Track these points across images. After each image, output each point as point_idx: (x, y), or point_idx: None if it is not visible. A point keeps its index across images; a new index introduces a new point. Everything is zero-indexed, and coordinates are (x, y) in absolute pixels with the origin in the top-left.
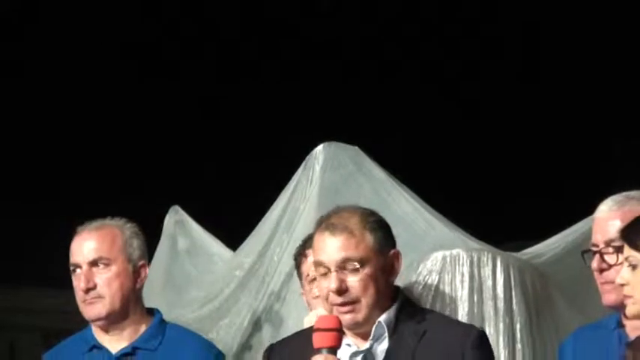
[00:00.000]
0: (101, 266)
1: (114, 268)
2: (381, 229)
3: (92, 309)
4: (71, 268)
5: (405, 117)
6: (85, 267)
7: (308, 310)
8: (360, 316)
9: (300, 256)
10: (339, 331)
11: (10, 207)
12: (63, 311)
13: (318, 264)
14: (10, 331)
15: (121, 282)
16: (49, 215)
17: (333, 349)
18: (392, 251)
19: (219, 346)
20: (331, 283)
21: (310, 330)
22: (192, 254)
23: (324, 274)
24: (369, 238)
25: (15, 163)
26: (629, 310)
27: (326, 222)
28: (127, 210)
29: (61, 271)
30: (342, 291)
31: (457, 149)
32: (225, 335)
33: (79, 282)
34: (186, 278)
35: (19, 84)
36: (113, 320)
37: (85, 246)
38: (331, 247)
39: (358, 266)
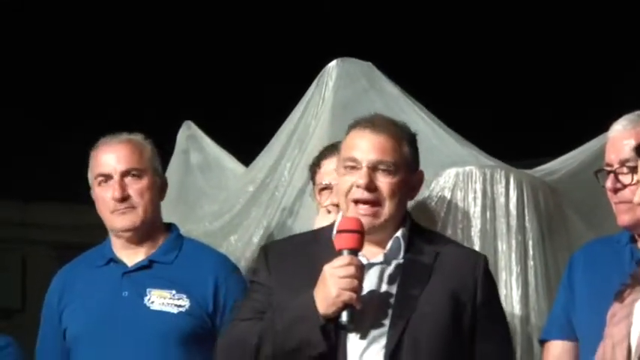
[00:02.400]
0: (132, 177)
1: (145, 180)
2: (414, 145)
3: (125, 219)
4: (98, 179)
5: (418, 32)
6: (116, 177)
7: None
8: (379, 220)
9: (314, 166)
10: (361, 234)
11: (21, 123)
12: (75, 226)
13: (349, 159)
14: (22, 247)
15: (151, 194)
16: (61, 130)
17: (356, 251)
18: (419, 170)
19: None
20: (361, 177)
21: (305, 234)
22: (204, 169)
23: (353, 168)
24: (406, 149)
25: (22, 77)
26: None
27: (366, 121)
28: (139, 126)
29: (73, 186)
30: (371, 187)
31: (472, 66)
32: (234, 250)
33: (110, 192)
34: (198, 193)
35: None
36: (142, 232)
37: (117, 157)
38: (370, 144)
39: (392, 169)
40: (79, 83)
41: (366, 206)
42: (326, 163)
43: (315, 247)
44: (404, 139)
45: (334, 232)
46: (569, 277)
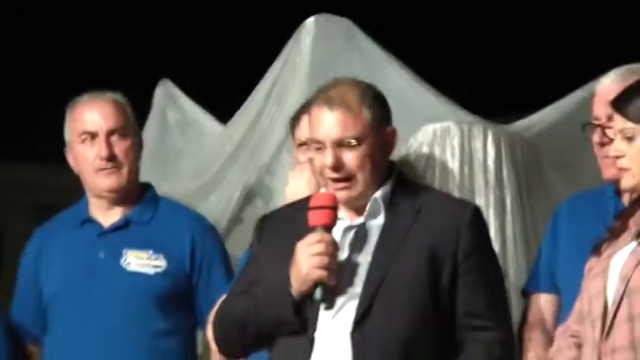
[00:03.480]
0: (117, 136)
1: (129, 139)
2: (379, 104)
3: (110, 179)
4: (82, 136)
5: None
6: (102, 135)
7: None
8: (354, 192)
9: (294, 120)
10: (334, 209)
11: None
12: (54, 188)
13: (314, 140)
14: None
15: (135, 154)
16: (38, 92)
17: (329, 227)
18: (389, 128)
19: (209, 220)
20: (327, 158)
21: (301, 201)
22: (182, 128)
23: (320, 149)
24: (367, 114)
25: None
26: (626, 182)
27: (324, 95)
28: (114, 84)
29: (50, 148)
30: (338, 167)
31: (450, 22)
32: (214, 209)
33: (95, 150)
34: (176, 152)
35: None
36: (125, 192)
37: (101, 115)
38: (328, 123)
39: (355, 143)
40: (53, 43)
41: (339, 184)
42: (305, 118)
43: (304, 217)
44: (364, 103)
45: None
46: (553, 230)
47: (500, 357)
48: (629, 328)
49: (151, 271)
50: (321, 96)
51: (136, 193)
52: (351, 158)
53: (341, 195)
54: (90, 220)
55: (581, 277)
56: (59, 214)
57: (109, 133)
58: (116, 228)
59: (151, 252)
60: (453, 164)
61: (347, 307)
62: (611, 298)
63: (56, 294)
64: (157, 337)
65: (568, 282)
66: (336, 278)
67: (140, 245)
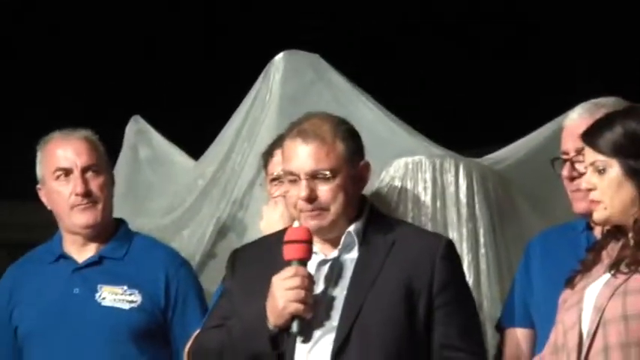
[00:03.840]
0: (91, 173)
1: (103, 176)
2: (352, 138)
3: (86, 215)
4: (56, 173)
5: (364, 24)
6: (77, 172)
7: None
8: (325, 222)
9: (267, 155)
10: (309, 243)
11: None
12: (25, 224)
13: (288, 173)
14: None
15: (109, 189)
16: (7, 129)
17: (304, 261)
18: (362, 162)
19: (183, 255)
20: (301, 191)
21: (274, 235)
22: (154, 164)
23: (294, 182)
24: (341, 147)
25: None
26: (599, 215)
27: (298, 128)
28: (84, 121)
29: (23, 184)
30: (311, 199)
31: (419, 57)
32: (187, 244)
33: (71, 186)
34: (148, 188)
35: None
36: (100, 228)
37: (75, 152)
38: (302, 156)
39: (329, 175)
40: (20, 78)
41: (312, 214)
42: (278, 152)
43: (278, 250)
44: (337, 137)
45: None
46: (525, 265)
47: None
48: (604, 359)
49: (126, 306)
50: (294, 129)
51: (109, 229)
52: (324, 190)
53: (312, 224)
54: (64, 256)
55: (554, 312)
56: (32, 250)
57: (84, 170)
58: (90, 264)
59: (125, 287)
60: (426, 198)
61: (323, 341)
62: (586, 328)
63: (31, 331)
64: None
65: (542, 316)
66: (312, 311)
67: (115, 281)
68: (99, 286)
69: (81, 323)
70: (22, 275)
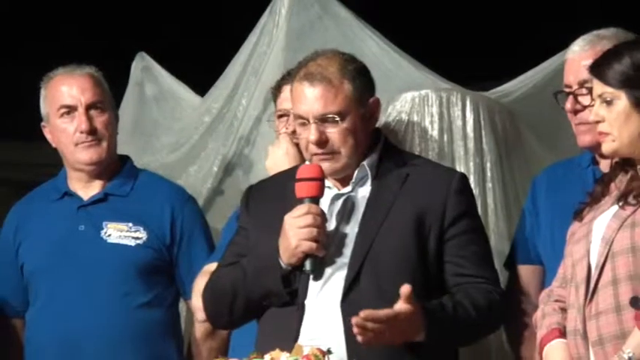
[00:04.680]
0: (97, 110)
1: (107, 113)
2: (360, 76)
3: (90, 152)
4: (60, 110)
5: None
6: (82, 109)
7: None
8: (338, 164)
9: (275, 90)
10: (321, 180)
11: None
12: (32, 164)
13: (297, 116)
14: None
15: (114, 127)
16: (15, 65)
17: (316, 199)
18: (372, 99)
19: (189, 192)
20: (311, 134)
21: (287, 172)
22: (160, 101)
23: (303, 125)
24: (349, 88)
25: None
26: (607, 147)
27: (305, 70)
28: (89, 58)
29: (28, 124)
30: (321, 142)
31: None
32: (194, 181)
33: (75, 124)
34: (154, 125)
35: None
36: (105, 165)
37: (81, 88)
38: (310, 99)
39: (338, 118)
40: (31, 17)
41: (323, 156)
42: (286, 88)
43: (292, 188)
44: (345, 77)
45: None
46: (532, 202)
47: (498, 304)
48: (612, 291)
49: (131, 242)
50: (302, 70)
51: (114, 167)
52: (334, 133)
53: (325, 166)
54: (69, 194)
55: (562, 247)
56: (37, 188)
57: (88, 107)
58: (95, 201)
59: (131, 224)
60: (433, 132)
61: (335, 277)
62: (595, 261)
63: (37, 268)
64: (140, 309)
65: (550, 250)
66: (324, 249)
67: (120, 218)
68: (104, 223)
69: (86, 260)
70: (28, 213)
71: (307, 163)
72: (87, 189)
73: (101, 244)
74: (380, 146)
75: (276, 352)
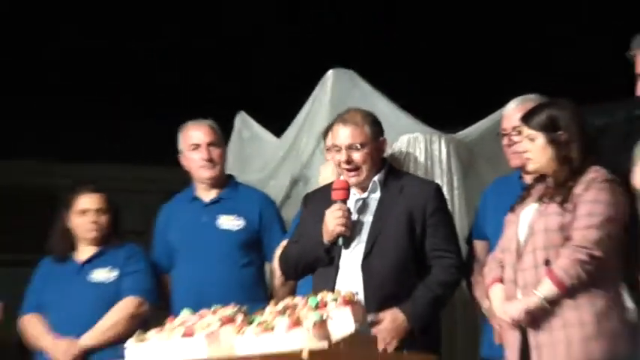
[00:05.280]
0: (213, 147)
1: (219, 148)
2: (374, 123)
3: (209, 172)
4: (191, 147)
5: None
6: (204, 146)
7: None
8: (360, 177)
9: (325, 133)
10: (348, 189)
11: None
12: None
13: (334, 146)
14: (142, 194)
15: (223, 156)
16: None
17: (345, 200)
18: (381, 138)
19: (271, 197)
20: (342, 156)
21: (328, 185)
22: (251, 141)
23: (338, 151)
24: (367, 129)
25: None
26: (530, 167)
27: (341, 117)
28: (207, 114)
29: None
30: (349, 162)
31: (417, 69)
32: (273, 191)
33: (200, 155)
34: (248, 156)
35: None
36: (217, 180)
37: (203, 133)
38: (343, 134)
39: (360, 147)
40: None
41: (350, 172)
42: (330, 133)
43: (330, 194)
44: (365, 123)
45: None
46: (483, 202)
47: (456, 274)
48: (532, 256)
49: (235, 228)
50: (339, 118)
51: (224, 181)
52: (357, 156)
53: (352, 180)
54: (196, 198)
55: (502, 228)
56: (176, 195)
57: (208, 145)
58: (212, 202)
59: (235, 216)
60: (420, 160)
61: (357, 248)
62: (522, 237)
63: (177, 246)
64: (242, 268)
65: (494, 233)
66: (350, 231)
67: (228, 212)
68: (218, 215)
69: (207, 238)
70: (172, 210)
71: (340, 178)
72: (207, 195)
73: (216, 229)
74: (386, 169)
75: (324, 293)
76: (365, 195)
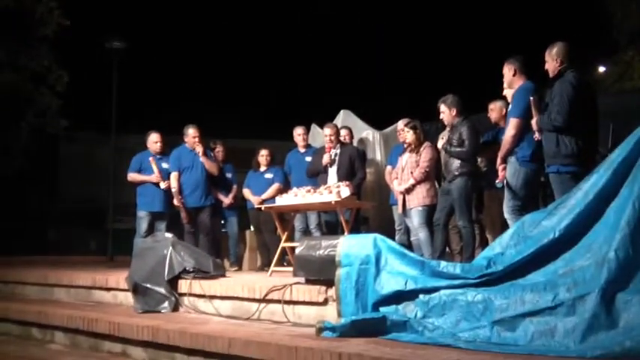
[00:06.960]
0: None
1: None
2: (350, 130)
3: None
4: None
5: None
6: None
7: None
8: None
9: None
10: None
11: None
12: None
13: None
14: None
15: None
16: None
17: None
18: (348, 133)
19: None
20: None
21: (322, 149)
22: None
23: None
24: (347, 132)
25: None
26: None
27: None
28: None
29: None
30: (338, 141)
31: (398, 97)
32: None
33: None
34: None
35: None
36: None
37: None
38: (330, 131)
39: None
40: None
41: (330, 144)
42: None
43: None
44: (345, 128)
45: None
46: (390, 155)
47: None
48: (407, 171)
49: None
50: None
51: None
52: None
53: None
54: None
55: (397, 162)
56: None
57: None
58: None
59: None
60: (369, 140)
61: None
62: (403, 164)
63: None
64: None
65: (395, 163)
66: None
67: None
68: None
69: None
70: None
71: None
72: None
73: None
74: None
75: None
76: (338, 150)
